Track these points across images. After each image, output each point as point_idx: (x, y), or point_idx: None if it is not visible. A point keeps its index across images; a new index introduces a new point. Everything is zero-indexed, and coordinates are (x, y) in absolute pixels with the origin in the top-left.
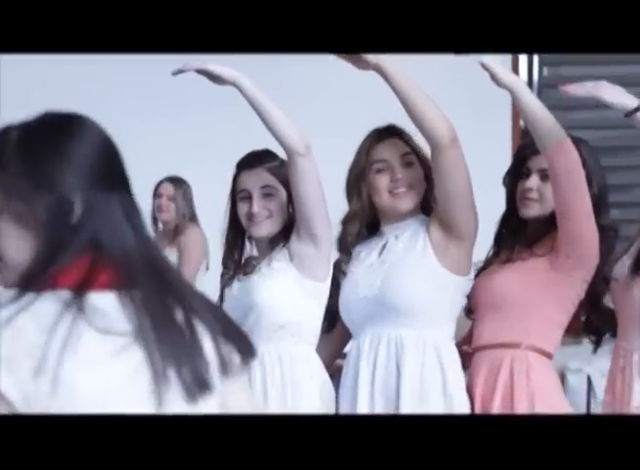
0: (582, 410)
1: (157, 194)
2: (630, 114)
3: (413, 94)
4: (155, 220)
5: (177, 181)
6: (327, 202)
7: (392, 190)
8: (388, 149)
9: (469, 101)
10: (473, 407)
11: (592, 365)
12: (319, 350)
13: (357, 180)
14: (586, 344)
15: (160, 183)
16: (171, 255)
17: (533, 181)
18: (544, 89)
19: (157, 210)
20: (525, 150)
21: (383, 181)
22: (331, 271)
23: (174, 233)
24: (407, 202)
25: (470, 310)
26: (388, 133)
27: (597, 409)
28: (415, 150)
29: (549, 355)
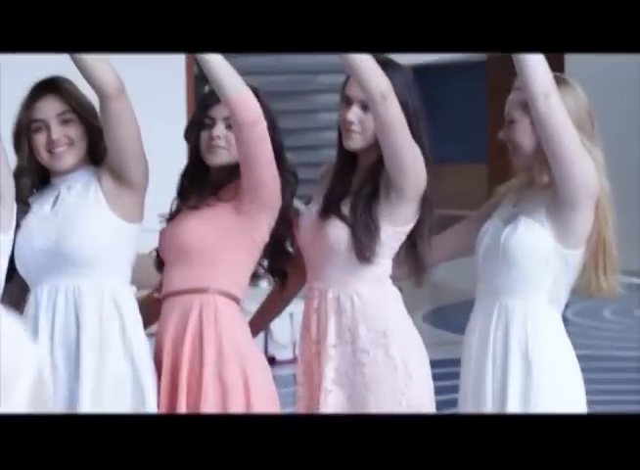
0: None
1: None
2: None
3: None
4: None
5: None
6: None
7: (50, 149)
8: (44, 108)
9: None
10: (162, 354)
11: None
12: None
13: (19, 136)
14: None
15: None
16: None
17: (219, 130)
18: None
19: None
20: (208, 100)
21: (40, 140)
22: (12, 224)
23: None
24: (66, 160)
25: (158, 262)
26: (46, 90)
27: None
28: (74, 106)
29: (237, 300)
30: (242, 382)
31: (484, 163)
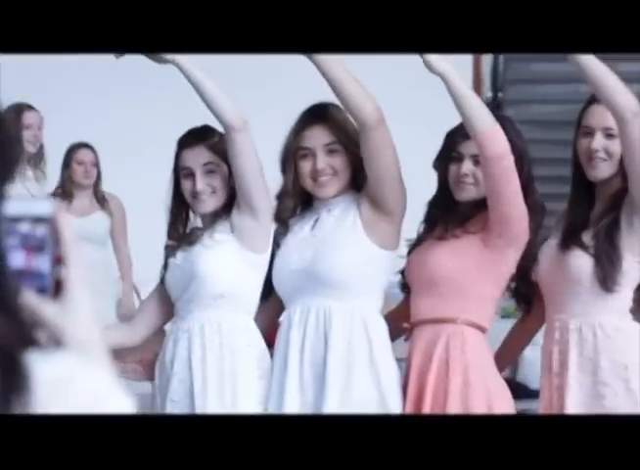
0: (537, 382)
1: (78, 160)
2: None
3: (338, 76)
4: (66, 187)
5: (92, 148)
6: (268, 175)
7: (315, 177)
8: (312, 137)
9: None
10: (407, 380)
11: None
12: (256, 319)
13: (286, 161)
14: None
15: (75, 149)
16: (104, 220)
17: (467, 166)
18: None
19: (81, 176)
20: (455, 135)
21: (305, 167)
22: (270, 244)
23: (101, 199)
24: (329, 189)
25: (404, 286)
26: (316, 118)
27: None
28: (341, 137)
29: (483, 330)
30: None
31: None
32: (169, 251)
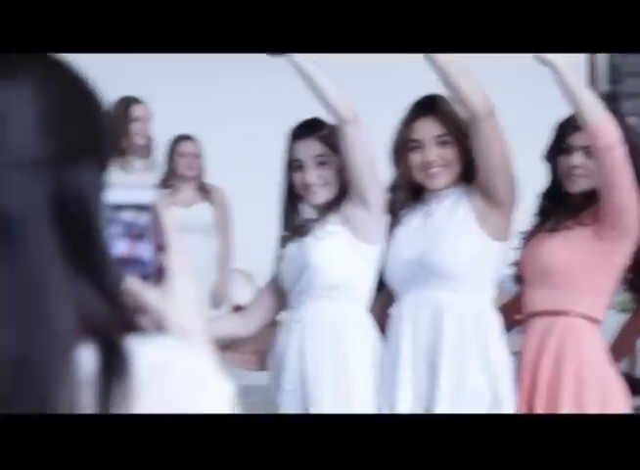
0: None
1: (180, 153)
2: None
3: (448, 69)
4: (170, 178)
5: (195, 140)
6: (380, 167)
7: (425, 169)
8: (422, 129)
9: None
10: (520, 373)
11: None
12: (370, 309)
13: (396, 153)
14: None
15: (178, 142)
16: (207, 210)
17: (577, 158)
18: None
19: (184, 168)
20: (566, 127)
21: (416, 159)
22: (382, 235)
23: (204, 190)
24: (440, 180)
25: (518, 278)
26: (425, 110)
27: None
28: (451, 129)
29: (597, 322)
30: (599, 408)
31: None
32: (282, 242)
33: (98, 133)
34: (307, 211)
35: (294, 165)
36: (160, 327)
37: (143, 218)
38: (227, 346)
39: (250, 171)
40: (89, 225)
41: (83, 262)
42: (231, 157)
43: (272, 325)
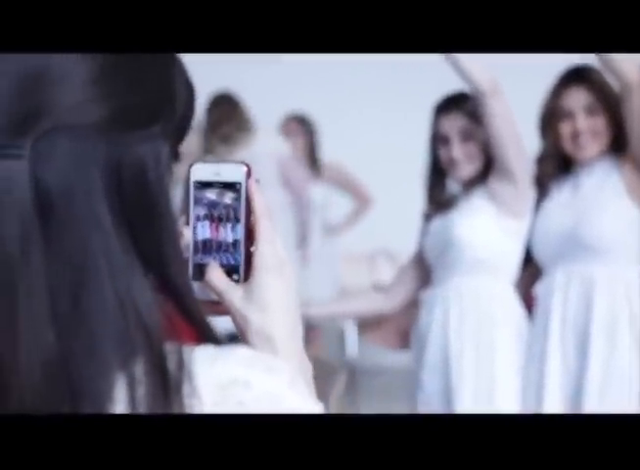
0: None
1: (285, 132)
2: None
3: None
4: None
5: (302, 119)
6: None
7: (574, 139)
8: (572, 98)
9: None
10: None
11: None
12: (516, 285)
13: (545, 123)
14: None
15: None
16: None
17: None
18: None
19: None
20: None
21: (565, 129)
22: (529, 209)
23: (316, 167)
24: (589, 150)
25: None
26: (575, 80)
27: None
28: (601, 98)
29: None
30: None
31: None
32: (427, 217)
33: (165, 100)
34: (453, 186)
35: (439, 140)
36: (242, 334)
37: (230, 198)
38: (369, 323)
39: (390, 150)
40: (151, 206)
41: (143, 251)
42: (372, 136)
43: (414, 304)
